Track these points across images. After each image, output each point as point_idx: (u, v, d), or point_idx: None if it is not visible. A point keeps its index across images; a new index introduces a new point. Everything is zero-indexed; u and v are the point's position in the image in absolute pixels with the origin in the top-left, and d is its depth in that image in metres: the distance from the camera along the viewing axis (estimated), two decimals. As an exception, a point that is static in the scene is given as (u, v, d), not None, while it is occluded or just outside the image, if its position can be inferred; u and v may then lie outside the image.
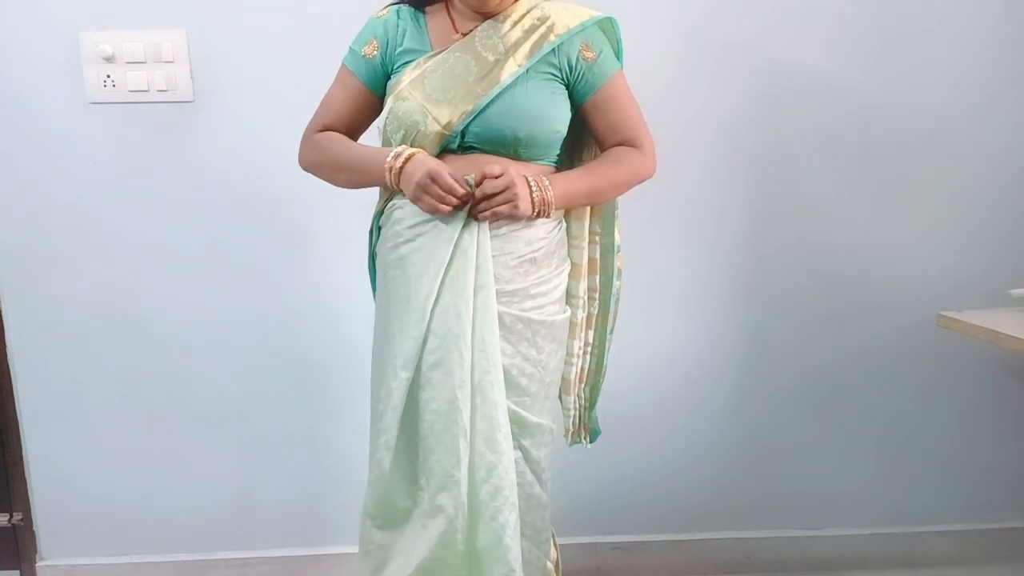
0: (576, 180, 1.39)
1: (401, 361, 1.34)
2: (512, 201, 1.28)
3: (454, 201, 1.28)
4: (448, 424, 1.33)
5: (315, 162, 1.45)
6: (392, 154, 1.32)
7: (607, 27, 1.41)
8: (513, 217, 1.32)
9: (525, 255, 1.38)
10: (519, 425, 1.40)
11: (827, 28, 1.89)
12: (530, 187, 1.31)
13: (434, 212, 1.30)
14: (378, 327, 1.44)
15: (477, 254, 1.32)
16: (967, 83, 1.94)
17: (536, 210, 1.32)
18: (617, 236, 1.51)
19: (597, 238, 1.51)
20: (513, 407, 1.39)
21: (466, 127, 1.33)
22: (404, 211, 1.37)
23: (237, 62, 1.85)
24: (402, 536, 1.40)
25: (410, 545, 1.39)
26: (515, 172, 1.30)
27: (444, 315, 1.32)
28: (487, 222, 1.32)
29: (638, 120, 1.44)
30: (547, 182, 1.33)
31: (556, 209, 1.35)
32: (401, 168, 1.31)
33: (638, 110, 1.44)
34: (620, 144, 1.43)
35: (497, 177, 1.28)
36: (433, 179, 1.26)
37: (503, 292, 1.36)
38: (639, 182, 1.44)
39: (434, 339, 1.33)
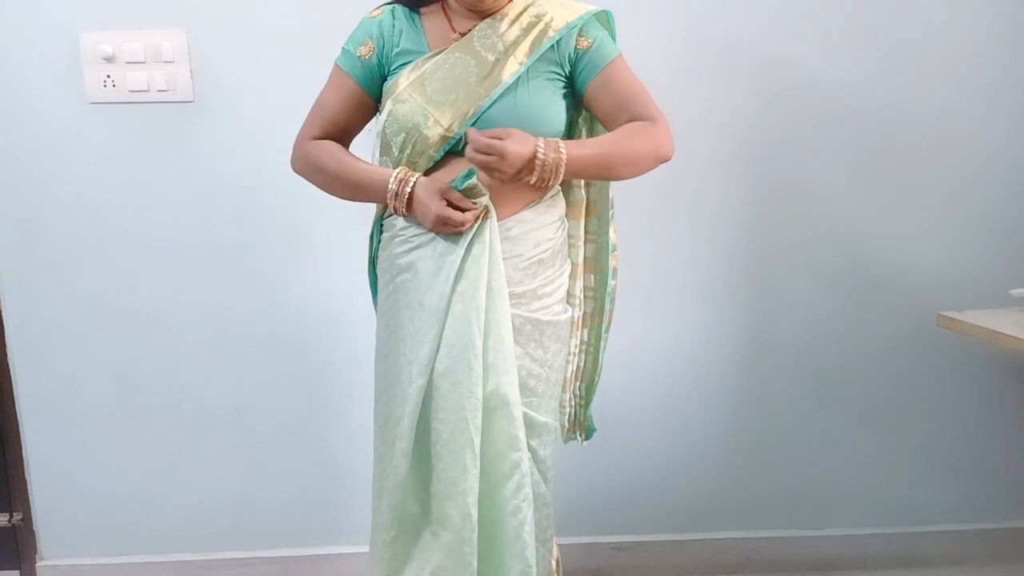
0: (589, 147, 1.34)
1: (418, 367, 1.34)
2: (497, 154, 1.22)
3: (470, 224, 1.30)
4: (454, 434, 1.33)
5: (307, 173, 1.43)
6: (393, 181, 1.32)
7: (603, 20, 1.42)
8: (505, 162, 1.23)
9: (534, 257, 1.38)
10: (528, 426, 1.40)
11: (828, 29, 1.89)
12: (538, 147, 1.25)
13: None
14: (384, 331, 1.43)
15: (490, 256, 1.32)
16: (967, 83, 1.94)
17: (542, 164, 1.26)
18: (612, 235, 1.51)
19: (593, 237, 1.52)
20: (523, 408, 1.38)
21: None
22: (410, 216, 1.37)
23: (237, 62, 1.85)
24: (415, 544, 1.40)
25: (423, 552, 1.39)
26: (520, 134, 1.25)
27: (455, 323, 1.32)
28: (497, 226, 1.33)
29: (647, 97, 1.37)
30: (560, 144, 1.28)
31: (567, 175, 1.30)
32: (408, 202, 1.32)
33: (645, 89, 1.38)
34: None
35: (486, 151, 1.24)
36: (445, 223, 1.29)
37: (512, 294, 1.36)
38: (657, 159, 1.35)
39: (444, 347, 1.33)
